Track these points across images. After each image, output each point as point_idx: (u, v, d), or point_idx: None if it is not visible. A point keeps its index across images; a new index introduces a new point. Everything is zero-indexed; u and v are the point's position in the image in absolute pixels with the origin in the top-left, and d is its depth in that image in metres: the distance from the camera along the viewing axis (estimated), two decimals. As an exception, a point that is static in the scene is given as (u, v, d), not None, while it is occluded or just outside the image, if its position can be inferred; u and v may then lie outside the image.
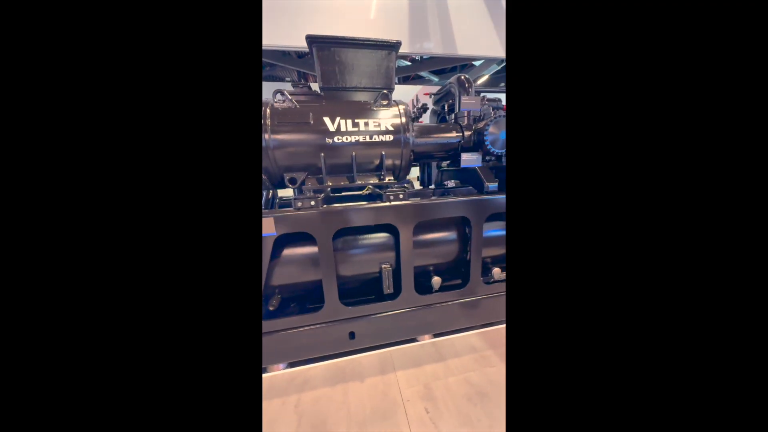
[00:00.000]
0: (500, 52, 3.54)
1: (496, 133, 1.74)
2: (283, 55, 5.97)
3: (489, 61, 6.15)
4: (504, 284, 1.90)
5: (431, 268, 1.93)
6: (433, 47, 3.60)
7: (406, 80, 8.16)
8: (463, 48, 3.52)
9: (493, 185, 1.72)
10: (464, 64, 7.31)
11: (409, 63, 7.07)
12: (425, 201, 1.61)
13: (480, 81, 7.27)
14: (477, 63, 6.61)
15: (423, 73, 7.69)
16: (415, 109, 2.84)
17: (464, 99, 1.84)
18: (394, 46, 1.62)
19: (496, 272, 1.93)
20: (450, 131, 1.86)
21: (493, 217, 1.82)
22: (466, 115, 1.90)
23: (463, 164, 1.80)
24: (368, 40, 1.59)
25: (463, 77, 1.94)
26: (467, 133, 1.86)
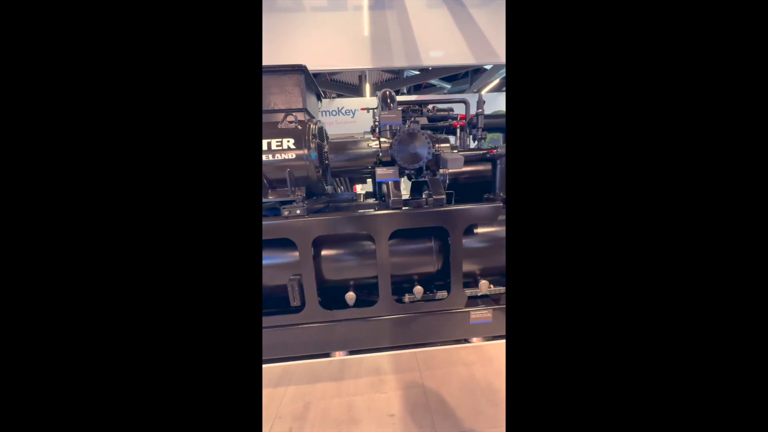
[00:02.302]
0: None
1: (404, 147, 1.69)
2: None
3: (498, 66, 5.88)
4: (426, 305, 1.80)
5: (351, 283, 1.91)
6: (443, 57, 3.58)
7: (417, 89, 8.13)
8: (470, 57, 3.43)
9: (394, 199, 1.66)
10: (476, 69, 7.07)
11: (418, 72, 7.07)
12: (321, 216, 1.63)
13: (492, 85, 6.95)
14: (488, 67, 6.36)
15: (434, 81, 7.60)
16: (374, 124, 2.86)
17: (384, 113, 1.82)
18: (298, 69, 1.69)
19: (418, 291, 1.83)
20: (365, 146, 1.85)
21: (405, 233, 1.74)
22: (388, 129, 1.87)
23: (377, 179, 1.77)
24: (272, 66, 1.68)
25: (387, 92, 1.93)
26: (385, 147, 1.83)
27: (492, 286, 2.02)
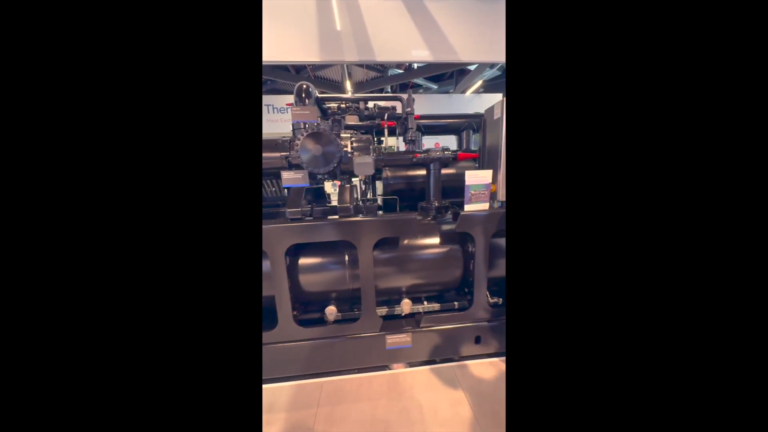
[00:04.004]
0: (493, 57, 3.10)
1: (309, 149, 1.48)
2: (283, 70, 6.25)
3: (483, 65, 5.67)
4: (338, 328, 1.59)
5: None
6: (427, 55, 3.36)
7: (403, 88, 7.92)
8: (460, 54, 3.19)
9: (291, 210, 1.45)
10: (461, 70, 6.85)
11: (402, 71, 6.85)
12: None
13: (476, 86, 6.75)
14: (472, 68, 6.16)
15: (419, 81, 7.38)
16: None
17: (295, 110, 1.61)
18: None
19: (330, 312, 1.63)
20: (274, 147, 1.64)
21: (303, 247, 1.53)
22: (302, 127, 1.66)
23: (283, 184, 1.56)
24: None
25: (303, 85, 1.72)
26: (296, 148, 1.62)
27: (426, 302, 1.83)
